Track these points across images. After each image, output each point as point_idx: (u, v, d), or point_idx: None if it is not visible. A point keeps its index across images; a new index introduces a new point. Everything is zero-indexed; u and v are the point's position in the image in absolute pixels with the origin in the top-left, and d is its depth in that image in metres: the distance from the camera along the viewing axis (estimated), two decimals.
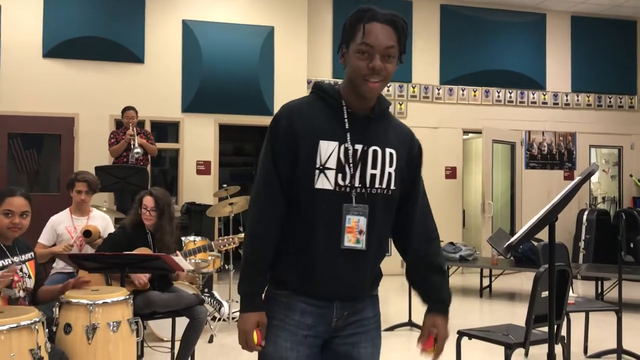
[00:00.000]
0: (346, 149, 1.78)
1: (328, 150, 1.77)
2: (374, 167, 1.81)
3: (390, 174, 1.83)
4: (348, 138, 1.79)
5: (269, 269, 1.83)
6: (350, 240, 1.78)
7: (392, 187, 1.84)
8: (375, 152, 1.81)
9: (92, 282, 3.41)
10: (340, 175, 1.77)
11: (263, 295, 1.84)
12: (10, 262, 3.15)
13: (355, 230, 1.78)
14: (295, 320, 1.81)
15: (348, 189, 1.77)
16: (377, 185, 1.81)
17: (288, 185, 1.80)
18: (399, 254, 2.00)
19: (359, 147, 1.80)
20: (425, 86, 9.45)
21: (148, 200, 4.23)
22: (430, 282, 1.95)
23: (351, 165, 1.78)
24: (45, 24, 7.66)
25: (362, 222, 1.78)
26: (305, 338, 1.81)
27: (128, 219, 4.34)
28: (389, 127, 1.89)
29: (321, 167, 1.76)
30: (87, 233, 4.42)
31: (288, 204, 1.82)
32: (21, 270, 3.20)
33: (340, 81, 1.92)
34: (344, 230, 1.77)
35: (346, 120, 1.81)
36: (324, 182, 1.76)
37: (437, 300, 1.94)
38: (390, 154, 1.84)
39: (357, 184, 1.78)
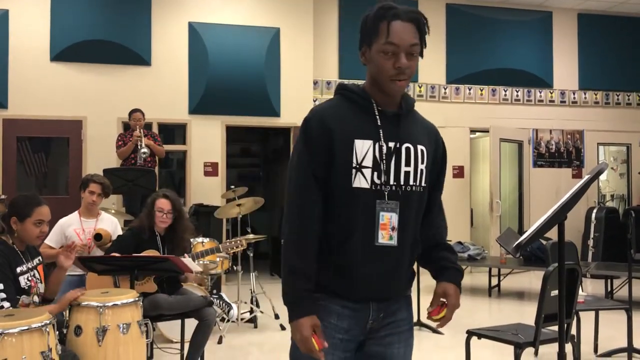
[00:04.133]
0: (381, 147, 1.77)
1: (364, 148, 1.76)
2: (407, 164, 1.80)
3: (422, 170, 1.83)
4: (381, 136, 1.78)
5: (315, 272, 1.78)
6: (384, 237, 1.77)
7: (424, 184, 1.84)
8: (408, 149, 1.81)
9: (92, 285, 3.41)
10: (376, 174, 1.76)
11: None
12: (26, 267, 3.18)
13: (388, 227, 1.77)
14: (332, 323, 1.79)
15: (382, 187, 1.77)
16: (411, 183, 1.81)
17: (323, 186, 1.79)
18: None
19: (392, 144, 1.79)
20: (432, 85, 9.44)
21: (164, 203, 4.20)
22: (443, 256, 1.95)
23: (385, 163, 1.77)
24: (53, 28, 7.70)
25: (394, 218, 1.78)
26: (341, 342, 1.80)
27: (138, 221, 4.34)
28: (417, 124, 1.89)
29: (358, 166, 1.75)
30: (98, 236, 4.43)
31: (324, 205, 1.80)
32: (34, 275, 3.22)
33: (355, 81, 1.91)
34: (378, 227, 1.76)
35: (377, 118, 1.80)
36: (361, 181, 1.75)
37: (449, 268, 1.92)
38: (422, 150, 1.84)
39: (392, 181, 1.78)
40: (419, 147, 1.84)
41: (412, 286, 1.95)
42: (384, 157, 1.77)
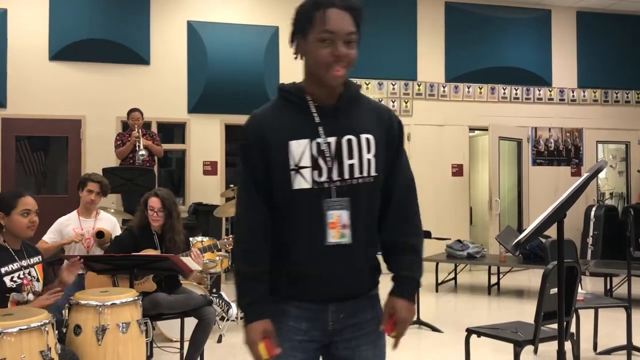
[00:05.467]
0: (318, 144, 1.73)
1: (299, 149, 1.72)
2: (350, 157, 1.74)
3: (369, 160, 1.76)
4: (320, 132, 1.74)
5: (268, 277, 1.76)
6: (334, 236, 1.72)
7: (373, 173, 1.76)
8: (349, 141, 1.75)
9: (91, 285, 3.41)
10: (316, 172, 1.71)
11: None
12: (18, 265, 3.16)
13: (338, 225, 1.72)
14: (290, 325, 1.77)
15: (326, 185, 1.72)
16: (357, 175, 1.74)
17: (267, 192, 1.76)
18: None
19: (331, 139, 1.74)
20: (431, 84, 9.44)
21: (154, 202, 4.23)
22: (400, 261, 1.84)
23: (327, 159, 1.72)
24: (51, 27, 7.70)
25: (345, 215, 1.72)
26: (300, 343, 1.78)
27: (134, 221, 4.35)
28: (363, 112, 1.82)
29: (296, 167, 1.71)
30: (100, 234, 4.44)
31: (270, 210, 1.77)
32: (29, 273, 3.21)
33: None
34: (327, 227, 1.72)
35: (315, 114, 1.76)
36: (300, 182, 1.71)
37: (400, 282, 1.83)
38: (367, 139, 1.77)
39: (335, 177, 1.72)
40: (363, 136, 1.76)
41: (379, 284, 1.87)
42: (324, 154, 1.72)
